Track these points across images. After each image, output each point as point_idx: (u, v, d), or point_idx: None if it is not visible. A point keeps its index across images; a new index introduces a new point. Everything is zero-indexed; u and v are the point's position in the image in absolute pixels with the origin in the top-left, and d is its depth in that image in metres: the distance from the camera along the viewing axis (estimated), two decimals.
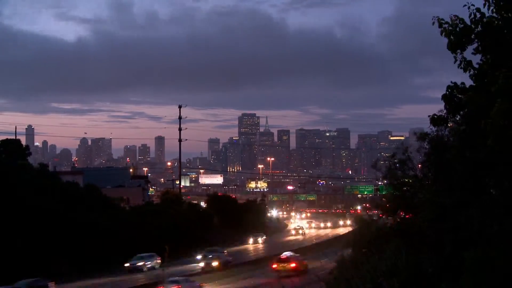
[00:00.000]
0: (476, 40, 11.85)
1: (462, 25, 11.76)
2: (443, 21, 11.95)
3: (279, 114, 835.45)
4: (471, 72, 12.01)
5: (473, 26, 11.70)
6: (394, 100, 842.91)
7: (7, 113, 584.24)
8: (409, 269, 18.47)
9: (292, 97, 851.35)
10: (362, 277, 23.01)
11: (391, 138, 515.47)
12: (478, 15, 11.63)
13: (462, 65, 11.98)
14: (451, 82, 12.61)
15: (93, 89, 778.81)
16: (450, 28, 11.84)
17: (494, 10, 11.60)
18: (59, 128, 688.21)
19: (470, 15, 11.68)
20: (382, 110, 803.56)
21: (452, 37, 11.73)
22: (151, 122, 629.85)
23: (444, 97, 12.64)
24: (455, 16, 11.89)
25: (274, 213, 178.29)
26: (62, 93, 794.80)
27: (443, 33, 11.87)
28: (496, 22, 11.59)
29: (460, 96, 12.43)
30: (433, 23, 12.01)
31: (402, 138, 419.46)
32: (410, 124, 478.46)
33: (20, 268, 52.26)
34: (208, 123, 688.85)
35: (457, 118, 13.88)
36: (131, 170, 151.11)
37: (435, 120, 13.71)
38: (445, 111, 13.15)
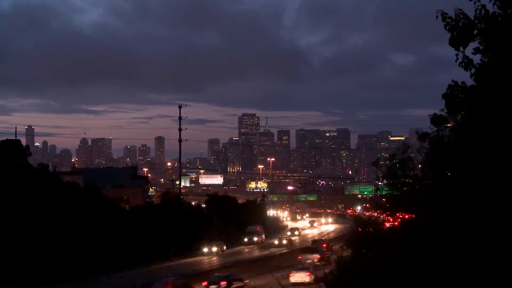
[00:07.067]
0: (478, 37, 11.77)
1: (466, 21, 11.68)
2: (447, 15, 11.88)
3: (298, 115, 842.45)
4: (472, 71, 11.96)
5: (476, 21, 11.63)
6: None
7: (32, 114, 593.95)
8: (409, 269, 18.46)
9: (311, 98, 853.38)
10: (362, 277, 23.00)
11: (391, 138, 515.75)
12: (483, 11, 11.55)
13: (463, 64, 11.94)
14: (452, 81, 12.57)
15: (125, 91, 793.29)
16: (453, 23, 11.76)
17: (498, 6, 11.53)
18: (73, 129, 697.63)
19: (475, 11, 11.61)
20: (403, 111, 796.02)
21: (454, 33, 11.67)
22: (171, 122, 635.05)
23: (444, 96, 12.60)
24: (459, 10, 11.81)
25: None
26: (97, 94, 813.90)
27: (447, 27, 11.80)
28: (500, 18, 11.51)
29: (461, 95, 12.38)
30: (437, 17, 11.93)
31: (402, 138, 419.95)
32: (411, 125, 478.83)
33: (19, 270, 52.29)
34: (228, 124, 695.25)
35: (458, 117, 13.82)
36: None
37: (435, 119, 13.67)
38: (446, 110, 13.11)
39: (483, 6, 11.61)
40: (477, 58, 12.16)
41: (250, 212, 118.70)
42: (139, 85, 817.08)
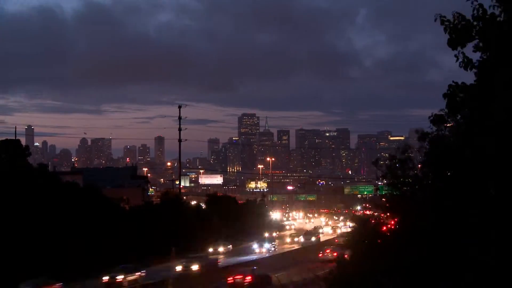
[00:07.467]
0: (476, 37, 11.82)
1: (463, 22, 11.74)
2: (445, 19, 11.94)
3: (298, 114, 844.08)
4: (472, 71, 11.99)
5: (474, 22, 11.68)
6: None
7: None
8: (409, 268, 18.46)
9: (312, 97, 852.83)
10: (362, 277, 23.02)
11: (391, 138, 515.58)
12: (480, 10, 11.61)
13: (463, 64, 11.97)
14: (453, 81, 12.60)
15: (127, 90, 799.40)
16: (451, 25, 11.83)
17: (499, 6, 11.56)
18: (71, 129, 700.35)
19: (473, 10, 11.68)
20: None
21: (453, 35, 11.73)
22: (171, 122, 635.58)
23: (445, 96, 12.62)
24: (457, 13, 11.88)
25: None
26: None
27: (446, 31, 11.87)
28: (498, 18, 11.56)
29: (461, 94, 12.40)
30: (435, 20, 12.00)
31: (402, 138, 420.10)
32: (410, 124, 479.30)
33: (18, 269, 52.29)
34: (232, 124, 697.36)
35: (458, 117, 13.84)
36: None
37: (435, 119, 13.68)
38: (446, 110, 13.13)
39: (481, 5, 11.66)
40: (476, 55, 12.21)
41: (249, 212, 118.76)
42: (146, 84, 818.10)
